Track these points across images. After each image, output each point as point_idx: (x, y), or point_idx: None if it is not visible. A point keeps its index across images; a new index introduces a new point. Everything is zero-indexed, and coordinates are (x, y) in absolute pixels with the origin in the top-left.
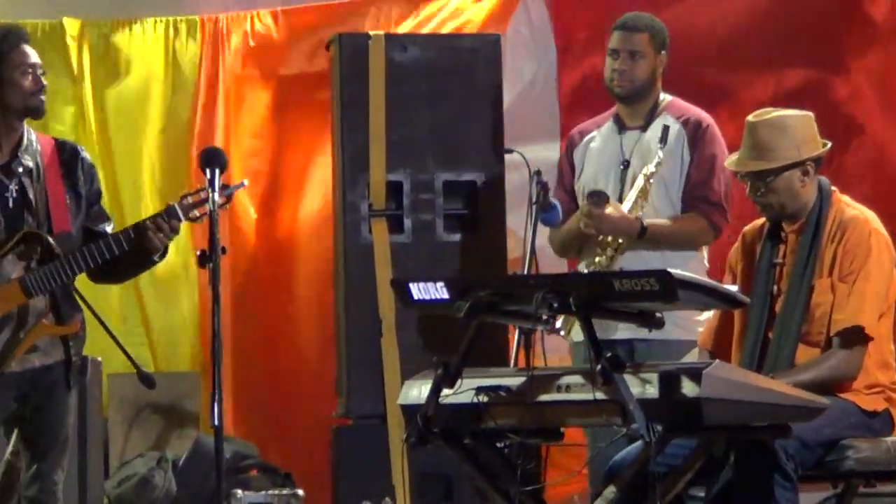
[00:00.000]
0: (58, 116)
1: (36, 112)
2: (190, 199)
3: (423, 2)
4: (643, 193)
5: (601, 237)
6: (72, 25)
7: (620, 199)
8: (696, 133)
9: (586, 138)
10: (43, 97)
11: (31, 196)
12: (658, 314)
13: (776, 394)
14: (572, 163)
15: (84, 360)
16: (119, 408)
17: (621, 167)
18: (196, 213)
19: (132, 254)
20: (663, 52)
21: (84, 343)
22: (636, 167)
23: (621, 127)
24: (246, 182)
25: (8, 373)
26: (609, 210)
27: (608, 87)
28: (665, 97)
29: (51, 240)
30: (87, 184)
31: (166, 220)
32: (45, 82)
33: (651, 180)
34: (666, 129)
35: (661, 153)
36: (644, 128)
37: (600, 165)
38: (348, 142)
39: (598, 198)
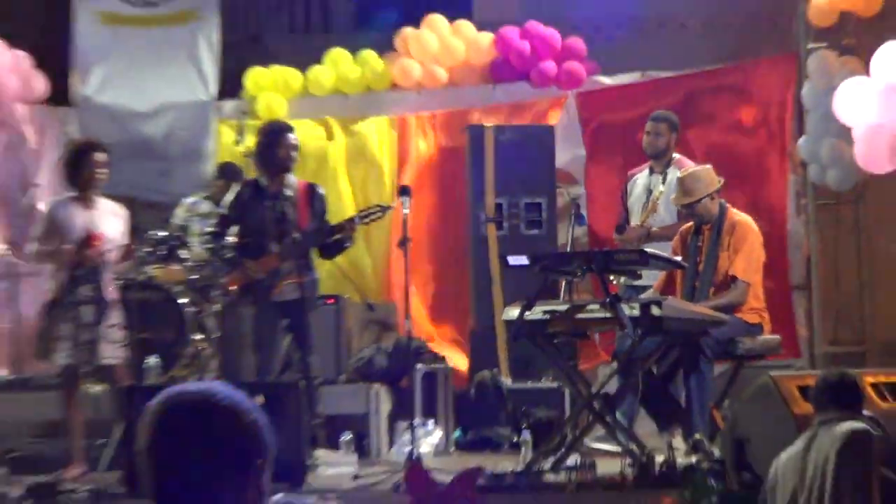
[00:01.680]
0: (314, 172)
1: (287, 170)
2: (364, 213)
3: (515, 108)
4: (653, 209)
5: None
6: (334, 123)
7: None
8: None
9: (634, 178)
10: (290, 164)
11: (288, 210)
12: (638, 272)
13: (701, 314)
14: (626, 192)
15: (331, 297)
16: (356, 322)
17: (648, 194)
18: (366, 220)
19: (334, 242)
20: (675, 133)
21: (316, 286)
22: (653, 195)
23: (651, 171)
24: (392, 205)
25: (274, 301)
26: (628, 233)
27: (644, 149)
28: (675, 156)
29: (295, 233)
30: (319, 206)
31: (350, 223)
32: (294, 155)
33: (658, 202)
34: (667, 174)
35: (662, 187)
36: (662, 172)
37: (639, 194)
38: (474, 184)
39: (621, 230)
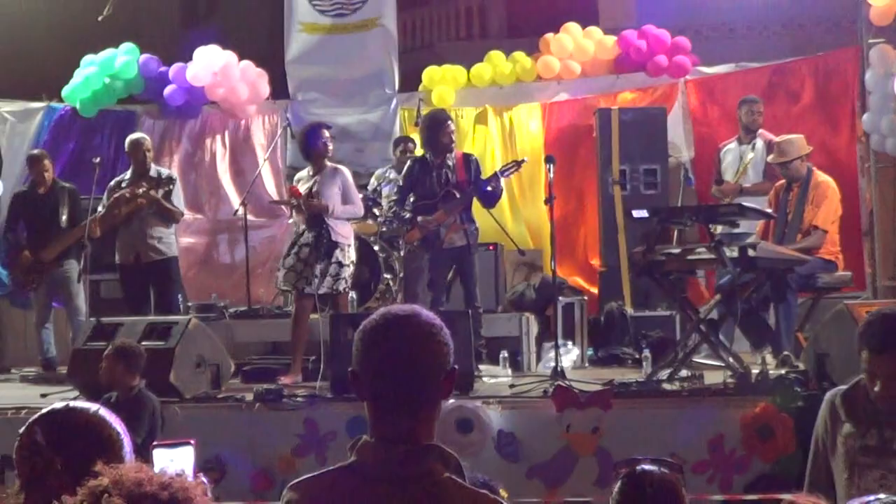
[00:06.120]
0: (475, 146)
1: (449, 151)
2: (504, 168)
3: (639, 90)
4: (744, 171)
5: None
6: (490, 110)
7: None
8: (770, 146)
9: (726, 147)
10: (452, 146)
11: (448, 175)
12: (737, 221)
13: (787, 255)
14: (719, 159)
15: (491, 244)
16: (510, 264)
17: (739, 160)
18: (506, 174)
19: (490, 192)
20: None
21: (477, 234)
22: (744, 160)
23: (740, 142)
24: (525, 160)
25: (445, 248)
26: (725, 186)
27: (748, 125)
28: (759, 130)
29: (457, 193)
30: (474, 169)
31: (494, 176)
32: (454, 138)
33: (749, 165)
34: (755, 144)
35: (751, 154)
36: (749, 143)
37: (731, 160)
38: (602, 154)
39: (719, 182)
